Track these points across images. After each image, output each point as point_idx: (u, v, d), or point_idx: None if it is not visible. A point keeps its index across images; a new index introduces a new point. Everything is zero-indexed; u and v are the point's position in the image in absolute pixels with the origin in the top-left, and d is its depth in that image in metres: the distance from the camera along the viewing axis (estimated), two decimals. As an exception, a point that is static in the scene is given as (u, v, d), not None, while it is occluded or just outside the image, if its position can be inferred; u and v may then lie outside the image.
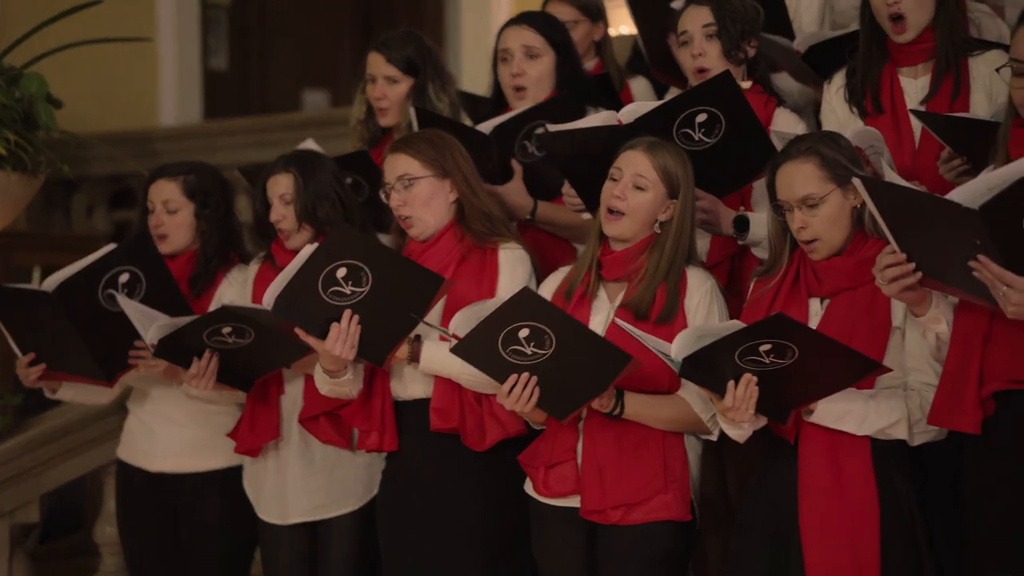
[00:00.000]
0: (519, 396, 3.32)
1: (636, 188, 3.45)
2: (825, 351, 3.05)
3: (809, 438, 3.19)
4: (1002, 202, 2.73)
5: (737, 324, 3.10)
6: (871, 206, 2.96)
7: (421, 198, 3.67)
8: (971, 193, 2.76)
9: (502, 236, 3.70)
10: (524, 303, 3.25)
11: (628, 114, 3.70)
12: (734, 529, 3.33)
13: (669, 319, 3.40)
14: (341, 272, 3.40)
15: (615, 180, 3.47)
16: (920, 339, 3.17)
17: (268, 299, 3.45)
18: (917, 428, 3.15)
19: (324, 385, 3.66)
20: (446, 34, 8.17)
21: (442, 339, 3.50)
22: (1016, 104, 2.95)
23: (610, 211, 3.47)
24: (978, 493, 3.04)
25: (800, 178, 3.21)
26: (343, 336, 3.45)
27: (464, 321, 3.32)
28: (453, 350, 3.33)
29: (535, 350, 3.28)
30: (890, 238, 2.96)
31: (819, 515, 3.15)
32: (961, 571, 3.12)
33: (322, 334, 3.47)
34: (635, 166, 3.46)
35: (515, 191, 3.96)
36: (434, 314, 3.55)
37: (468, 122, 4.29)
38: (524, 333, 3.26)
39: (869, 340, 3.16)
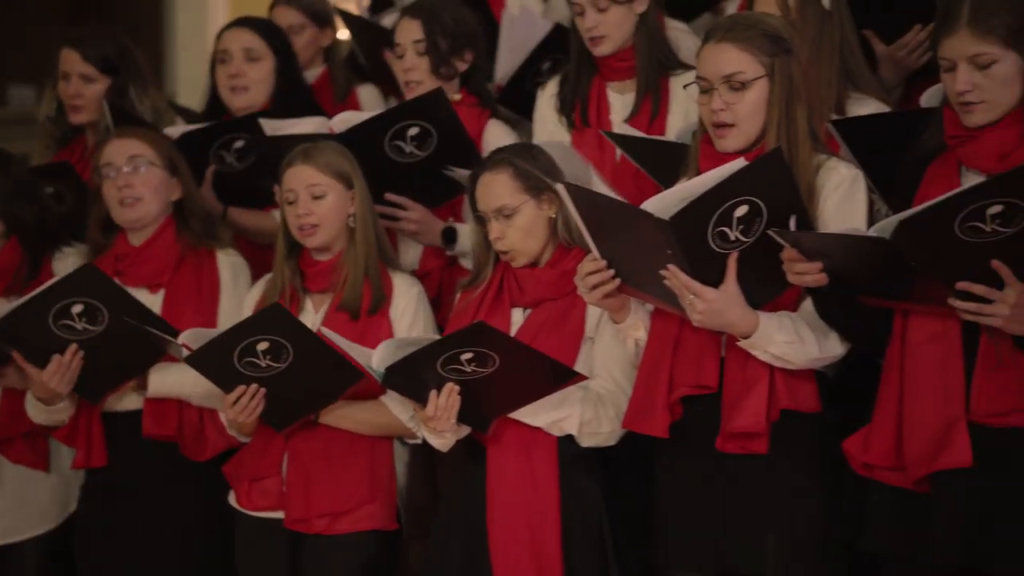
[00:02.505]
0: (244, 407, 3.32)
1: (316, 199, 3.47)
2: (525, 360, 3.11)
3: (500, 439, 3.24)
4: (690, 214, 2.83)
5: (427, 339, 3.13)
6: (573, 212, 3.03)
7: (152, 184, 3.66)
8: (664, 203, 2.86)
9: (219, 240, 3.70)
10: (272, 318, 3.28)
11: (340, 123, 3.72)
12: (431, 534, 3.36)
13: (377, 309, 3.45)
14: (77, 308, 3.42)
15: (292, 203, 3.49)
16: (607, 346, 3.25)
17: None
18: (587, 428, 3.22)
19: (39, 414, 3.61)
20: (164, 33, 8.01)
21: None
22: (704, 121, 3.07)
23: (301, 229, 3.49)
24: (665, 495, 3.14)
25: (495, 188, 3.28)
26: (62, 370, 3.47)
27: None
28: (187, 359, 3.31)
29: (270, 363, 3.29)
30: (591, 245, 3.03)
31: (504, 516, 3.20)
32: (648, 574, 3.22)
33: (42, 364, 3.45)
34: (304, 179, 3.49)
35: (205, 197, 3.93)
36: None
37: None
38: (263, 346, 3.27)
39: (561, 349, 3.23)
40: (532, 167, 3.29)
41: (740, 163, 2.88)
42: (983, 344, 2.82)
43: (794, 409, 3.00)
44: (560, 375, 3.14)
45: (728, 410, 3.00)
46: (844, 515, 3.00)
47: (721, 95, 3.00)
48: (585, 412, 3.21)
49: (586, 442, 3.23)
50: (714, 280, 2.91)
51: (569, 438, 3.23)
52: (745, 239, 2.89)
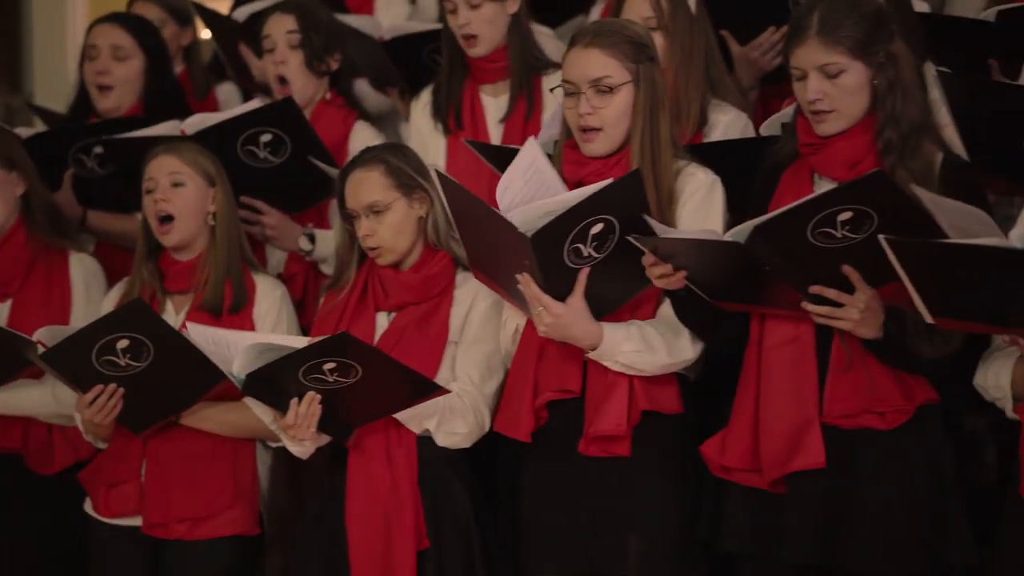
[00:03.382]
0: (101, 407, 3.26)
1: (175, 186, 3.45)
2: (388, 371, 3.10)
3: (363, 443, 3.22)
4: (551, 231, 2.87)
5: (303, 340, 3.11)
6: (445, 203, 3.06)
7: None
8: (528, 216, 2.89)
9: (71, 241, 3.62)
10: (132, 314, 3.22)
11: (192, 125, 3.68)
12: (293, 540, 3.34)
13: (240, 308, 3.42)
14: (122, 344, 3.26)
15: (152, 191, 3.46)
16: (467, 349, 3.26)
17: None
18: (444, 428, 3.22)
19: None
20: (21, 30, 7.83)
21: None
22: (570, 125, 3.09)
23: (160, 220, 3.45)
24: (530, 499, 3.15)
25: (367, 185, 3.27)
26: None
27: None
28: (41, 356, 3.24)
29: (130, 362, 3.24)
30: (459, 235, 3.07)
31: (362, 521, 3.19)
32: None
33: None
34: (166, 167, 3.46)
35: (65, 201, 3.87)
36: None
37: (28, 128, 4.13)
38: (123, 344, 3.21)
39: (425, 353, 3.24)
40: (404, 165, 3.29)
41: (603, 183, 2.92)
42: (835, 347, 2.89)
43: (655, 411, 3.05)
44: (422, 388, 3.14)
45: (590, 413, 3.04)
46: (704, 516, 3.04)
47: (589, 99, 3.03)
48: (444, 413, 3.22)
49: (442, 442, 3.24)
50: (564, 293, 2.96)
51: (433, 442, 3.23)
52: (597, 255, 2.94)
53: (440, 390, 3.14)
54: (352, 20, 4.15)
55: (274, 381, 3.10)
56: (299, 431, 3.14)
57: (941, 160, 2.90)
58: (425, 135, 3.79)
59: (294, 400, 3.12)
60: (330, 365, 3.06)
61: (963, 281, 2.58)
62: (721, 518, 3.00)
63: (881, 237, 2.61)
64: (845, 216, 2.69)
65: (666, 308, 3.05)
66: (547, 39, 4.19)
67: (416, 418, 3.21)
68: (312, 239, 3.75)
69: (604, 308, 3.02)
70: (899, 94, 2.89)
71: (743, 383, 2.98)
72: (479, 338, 3.26)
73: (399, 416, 3.20)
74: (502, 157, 3.44)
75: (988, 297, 2.58)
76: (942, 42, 3.51)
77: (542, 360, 3.07)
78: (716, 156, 3.21)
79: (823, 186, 2.94)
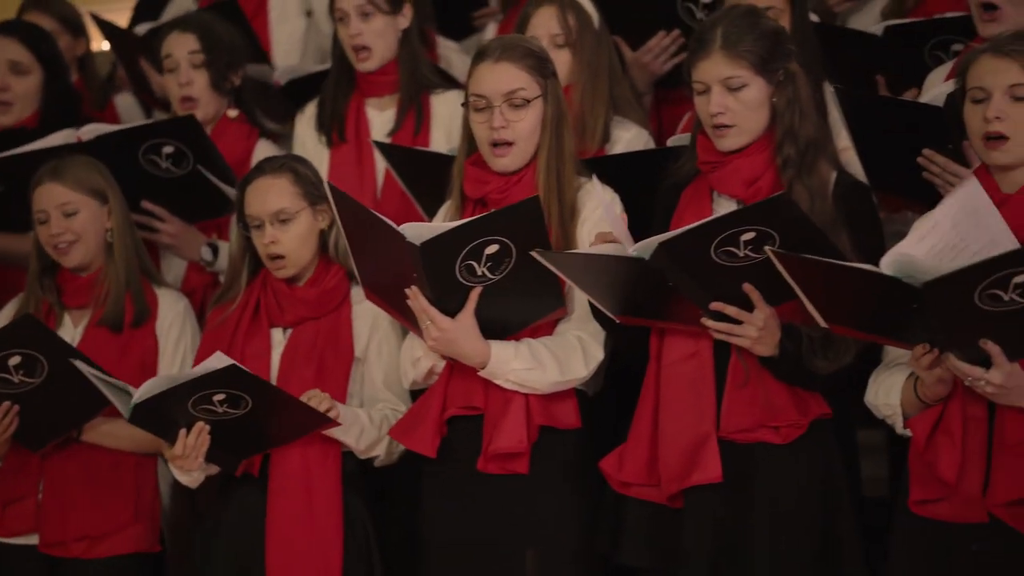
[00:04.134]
0: None
1: (68, 216, 3.42)
2: (280, 404, 3.09)
3: (280, 464, 3.20)
4: (440, 243, 2.88)
5: (198, 370, 3.06)
6: (336, 215, 3.06)
7: None
8: (419, 229, 2.90)
9: None
10: (24, 329, 3.19)
11: (88, 132, 3.65)
12: (193, 558, 3.31)
13: (141, 322, 3.39)
14: (14, 360, 3.22)
15: (45, 223, 3.43)
16: (373, 368, 3.26)
17: None
18: (364, 442, 3.23)
19: None
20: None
21: None
22: (480, 140, 3.08)
23: (56, 248, 3.43)
24: (428, 515, 3.16)
25: (275, 192, 3.25)
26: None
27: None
28: None
29: (23, 378, 3.21)
30: (350, 250, 3.07)
31: (285, 542, 3.18)
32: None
33: None
34: (55, 198, 3.43)
35: None
36: None
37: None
38: (15, 360, 3.19)
39: (333, 371, 3.23)
40: (311, 175, 3.29)
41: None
42: (732, 363, 2.93)
43: (553, 426, 3.06)
44: (317, 420, 3.12)
45: (489, 430, 3.05)
46: (603, 530, 3.06)
47: (503, 112, 3.04)
48: (367, 429, 3.21)
49: (365, 454, 3.23)
50: (457, 309, 2.98)
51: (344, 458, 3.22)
52: (492, 276, 2.95)
53: (330, 423, 3.12)
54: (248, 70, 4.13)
55: (162, 411, 3.07)
56: (187, 462, 3.12)
57: (835, 179, 2.95)
58: (309, 148, 3.79)
59: (182, 431, 3.10)
60: (220, 396, 3.04)
61: (850, 295, 2.64)
62: (620, 532, 3.01)
63: (768, 250, 2.66)
64: (748, 236, 2.73)
65: (563, 325, 3.08)
66: (453, 53, 4.21)
67: (380, 442, 3.21)
68: (215, 251, 3.73)
69: (506, 330, 3.03)
70: (797, 112, 2.94)
71: (643, 398, 3.01)
72: (390, 352, 3.26)
73: (351, 443, 3.18)
74: (413, 161, 3.45)
75: (875, 311, 2.64)
76: (833, 55, 3.58)
77: (452, 375, 3.08)
78: (618, 169, 3.25)
79: (722, 203, 2.99)
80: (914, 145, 3.10)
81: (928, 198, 3.03)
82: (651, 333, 2.99)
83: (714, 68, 2.92)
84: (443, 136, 3.71)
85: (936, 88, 3.15)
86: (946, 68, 3.38)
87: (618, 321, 2.98)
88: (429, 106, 3.73)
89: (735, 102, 2.92)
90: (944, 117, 3.04)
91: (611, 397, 3.24)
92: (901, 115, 3.16)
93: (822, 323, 2.71)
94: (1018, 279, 2.48)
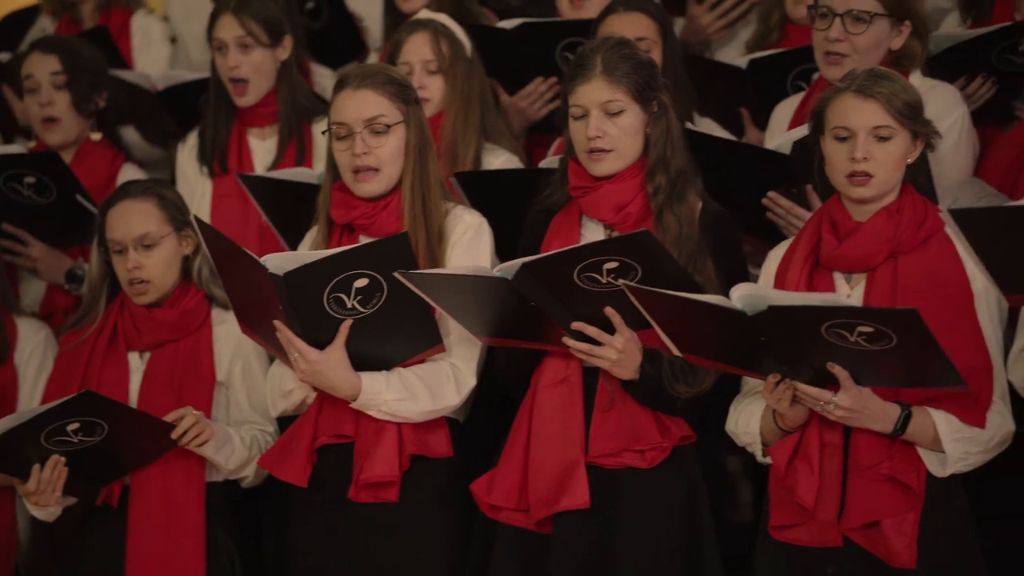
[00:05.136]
0: None
1: None
2: (138, 425, 3.05)
3: (139, 496, 3.15)
4: (305, 274, 2.86)
5: (48, 406, 3.00)
6: (206, 251, 3.04)
7: None
8: (284, 261, 2.88)
9: None
10: None
11: None
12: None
13: (2, 359, 3.33)
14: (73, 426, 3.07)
15: None
16: (238, 391, 3.24)
17: None
18: (234, 462, 3.19)
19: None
20: None
21: None
22: (343, 167, 3.07)
23: None
24: (298, 544, 3.12)
25: (140, 216, 3.22)
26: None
27: None
28: None
29: None
30: (222, 283, 3.05)
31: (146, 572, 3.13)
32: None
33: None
34: None
35: None
36: None
37: None
38: None
39: (194, 394, 3.19)
40: (177, 201, 3.27)
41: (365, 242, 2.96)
42: (599, 387, 2.95)
43: (425, 455, 3.06)
44: (169, 441, 3.08)
45: (360, 459, 3.03)
46: (473, 555, 3.06)
47: (364, 139, 3.05)
48: (238, 451, 3.18)
49: (234, 475, 3.20)
50: (328, 341, 2.96)
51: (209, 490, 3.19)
52: (363, 309, 2.95)
53: (174, 444, 3.08)
54: (124, 74, 4.10)
55: (12, 449, 3.00)
56: (43, 497, 3.05)
57: (701, 208, 3.00)
58: (192, 179, 3.76)
59: (36, 466, 3.03)
60: (74, 425, 2.99)
61: (703, 328, 2.70)
62: (489, 557, 3.01)
63: (623, 284, 2.72)
64: (611, 265, 2.78)
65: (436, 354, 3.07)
66: (328, 81, 4.19)
67: (249, 463, 3.18)
68: (78, 276, 3.68)
69: (383, 366, 3.02)
70: (669, 143, 3.00)
71: (516, 422, 3.02)
72: (254, 374, 3.24)
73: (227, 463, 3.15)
74: (280, 190, 3.42)
75: (727, 343, 2.70)
76: (701, 87, 3.64)
77: (324, 404, 3.06)
78: (488, 187, 3.27)
79: (591, 227, 3.03)
80: (760, 186, 3.19)
81: (771, 237, 3.12)
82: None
83: (594, 92, 2.96)
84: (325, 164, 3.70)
85: (786, 134, 3.23)
86: (793, 100, 3.46)
87: (480, 342, 2.99)
88: (311, 135, 3.72)
89: (613, 127, 2.96)
90: (788, 163, 3.13)
91: (488, 423, 3.23)
92: (748, 158, 3.24)
93: (676, 352, 2.76)
94: (862, 328, 2.56)
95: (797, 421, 2.79)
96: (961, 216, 2.56)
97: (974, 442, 2.76)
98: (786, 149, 3.14)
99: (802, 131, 3.07)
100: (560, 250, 2.81)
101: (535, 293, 2.83)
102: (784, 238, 3.07)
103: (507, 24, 3.84)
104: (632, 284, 2.70)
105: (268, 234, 3.58)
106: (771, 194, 3.19)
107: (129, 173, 3.82)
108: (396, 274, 2.88)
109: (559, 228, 3.06)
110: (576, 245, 2.86)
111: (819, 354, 2.63)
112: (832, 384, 2.67)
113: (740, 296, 2.61)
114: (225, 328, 3.23)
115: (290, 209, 3.32)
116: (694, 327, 2.70)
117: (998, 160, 3.22)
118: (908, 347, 2.56)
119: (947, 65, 3.34)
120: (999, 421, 2.79)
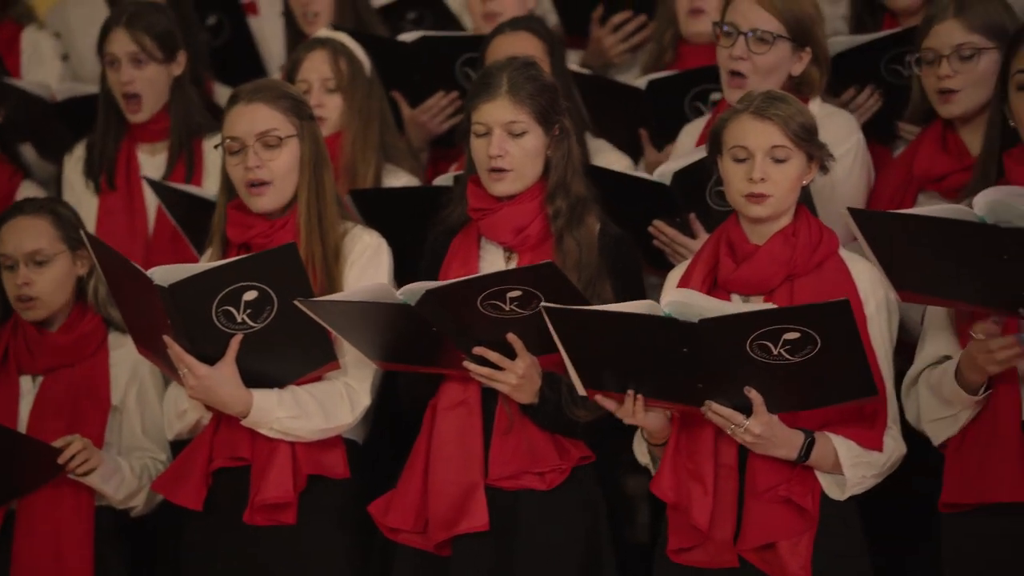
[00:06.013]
0: None
1: None
2: (21, 448, 3.01)
3: (25, 522, 3.11)
4: (190, 287, 2.84)
5: None
6: (98, 268, 3.01)
7: None
8: (170, 271, 2.86)
9: None
10: None
11: None
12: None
13: None
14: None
15: None
16: (132, 416, 3.21)
17: None
18: (123, 491, 3.16)
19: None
20: None
21: None
22: (236, 182, 3.06)
23: None
24: (193, 571, 3.10)
25: (32, 232, 3.20)
26: None
27: None
28: None
29: None
30: (115, 301, 3.02)
31: None
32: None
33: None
34: None
35: None
36: None
37: None
38: None
39: (88, 420, 3.15)
40: (72, 219, 3.23)
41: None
42: (498, 410, 2.95)
43: (322, 475, 3.04)
44: (53, 464, 3.03)
45: (256, 481, 3.01)
46: (371, 576, 3.05)
47: (256, 152, 3.03)
48: (139, 479, 3.15)
49: (123, 505, 3.16)
50: (218, 356, 2.93)
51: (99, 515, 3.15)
52: (253, 324, 2.92)
53: (62, 470, 3.04)
54: (22, 84, 4.03)
55: None
56: None
57: (599, 231, 3.02)
58: (78, 192, 3.71)
59: None
60: None
61: (615, 348, 2.70)
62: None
63: (543, 305, 2.73)
64: (515, 294, 2.80)
65: (334, 372, 3.06)
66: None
67: (139, 492, 3.14)
68: None
69: (276, 383, 3.00)
70: (570, 167, 3.01)
71: (417, 444, 3.02)
72: (150, 400, 3.20)
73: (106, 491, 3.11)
74: (183, 202, 3.38)
75: (640, 366, 2.71)
76: (598, 107, 3.66)
77: (219, 426, 3.04)
78: (384, 205, 3.26)
79: (490, 250, 3.03)
80: (646, 215, 3.23)
81: (664, 265, 3.16)
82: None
83: (498, 111, 2.96)
84: (216, 181, 3.64)
85: (673, 160, 3.27)
86: (698, 124, 3.49)
87: (376, 367, 2.98)
88: (202, 151, 3.68)
89: (515, 147, 2.97)
90: (670, 193, 3.17)
91: (387, 445, 3.23)
92: (634, 189, 3.26)
93: (581, 390, 2.77)
94: (788, 336, 2.58)
95: (661, 431, 2.80)
96: (859, 216, 2.67)
97: (871, 466, 2.80)
98: (667, 180, 3.18)
99: (687, 159, 3.13)
100: (465, 278, 2.83)
101: (437, 318, 2.83)
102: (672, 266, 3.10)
103: (407, 37, 3.84)
104: (549, 305, 2.71)
105: (155, 250, 3.55)
106: (656, 223, 3.23)
107: (28, 189, 3.76)
108: (297, 302, 2.86)
109: (457, 251, 3.06)
110: (481, 274, 2.87)
111: (737, 371, 2.64)
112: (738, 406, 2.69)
113: (669, 302, 2.62)
114: (122, 352, 3.19)
115: (199, 221, 3.28)
116: (609, 349, 2.70)
117: (886, 182, 3.28)
118: (832, 351, 2.60)
119: (837, 74, 3.39)
120: (893, 445, 2.83)
